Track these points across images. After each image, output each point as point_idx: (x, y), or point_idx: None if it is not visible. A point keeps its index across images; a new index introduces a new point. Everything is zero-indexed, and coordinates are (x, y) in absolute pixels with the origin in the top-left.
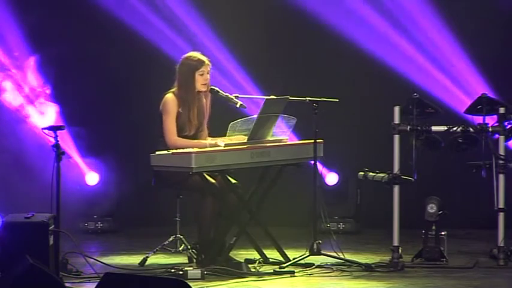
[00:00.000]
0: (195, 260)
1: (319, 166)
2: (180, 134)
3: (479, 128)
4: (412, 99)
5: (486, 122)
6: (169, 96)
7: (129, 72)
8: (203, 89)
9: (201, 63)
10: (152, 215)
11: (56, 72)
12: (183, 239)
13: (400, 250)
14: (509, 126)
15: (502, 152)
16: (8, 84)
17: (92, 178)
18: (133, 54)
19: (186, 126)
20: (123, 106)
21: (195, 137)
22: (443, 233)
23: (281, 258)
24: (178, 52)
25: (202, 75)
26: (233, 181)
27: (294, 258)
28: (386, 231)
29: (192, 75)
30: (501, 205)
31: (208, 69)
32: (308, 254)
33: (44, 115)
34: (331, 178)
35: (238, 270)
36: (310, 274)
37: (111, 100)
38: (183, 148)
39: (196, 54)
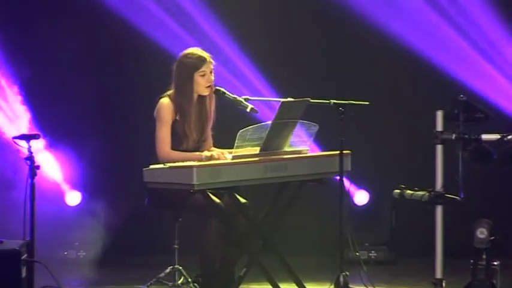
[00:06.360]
0: None
1: (346, 182)
2: (176, 148)
3: None
4: (458, 102)
5: None
6: (165, 101)
7: (121, 77)
8: (206, 92)
9: (201, 61)
10: (146, 241)
11: (33, 78)
12: (182, 271)
13: (443, 284)
14: None
15: None
16: None
17: (73, 198)
18: (124, 60)
19: (183, 139)
20: (114, 113)
21: (194, 151)
22: (495, 263)
23: None
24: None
25: (203, 75)
26: (243, 200)
27: None
28: (426, 260)
29: (190, 77)
30: None
31: (211, 67)
32: None
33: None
34: (361, 197)
35: None
36: None
37: (100, 108)
38: (176, 162)
39: (196, 51)
